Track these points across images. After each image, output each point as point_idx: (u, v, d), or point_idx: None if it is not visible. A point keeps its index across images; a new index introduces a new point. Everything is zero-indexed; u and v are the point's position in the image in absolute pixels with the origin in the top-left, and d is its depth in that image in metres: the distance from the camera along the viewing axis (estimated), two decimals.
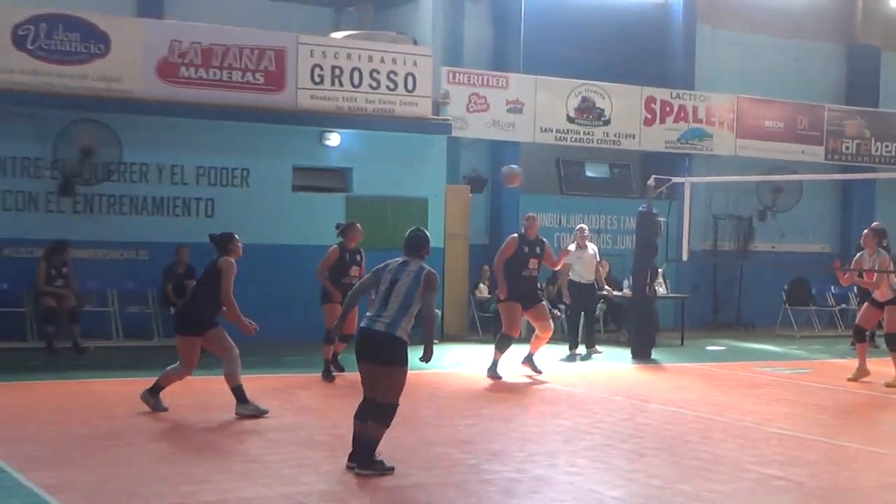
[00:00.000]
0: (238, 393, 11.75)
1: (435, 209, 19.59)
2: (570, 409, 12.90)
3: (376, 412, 9.09)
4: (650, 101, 22.24)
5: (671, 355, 18.37)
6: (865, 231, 16.00)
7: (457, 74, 20.47)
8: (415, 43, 19.72)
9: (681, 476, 9.49)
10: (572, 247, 18.12)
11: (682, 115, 22.54)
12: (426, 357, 9.30)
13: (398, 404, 9.17)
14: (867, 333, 16.41)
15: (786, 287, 22.62)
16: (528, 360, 15.49)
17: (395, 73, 18.82)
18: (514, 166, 17.34)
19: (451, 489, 8.78)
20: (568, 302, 18.23)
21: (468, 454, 10.10)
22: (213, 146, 18.16)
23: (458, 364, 16.68)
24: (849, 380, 15.73)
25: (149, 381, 12.94)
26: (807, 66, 24.97)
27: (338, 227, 14.83)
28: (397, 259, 9.55)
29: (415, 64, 19.00)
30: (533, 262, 15.27)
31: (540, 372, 15.39)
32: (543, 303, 15.83)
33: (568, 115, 21.44)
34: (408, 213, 19.33)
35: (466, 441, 10.76)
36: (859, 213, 23.68)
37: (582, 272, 18.21)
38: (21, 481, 8.57)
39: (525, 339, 16.10)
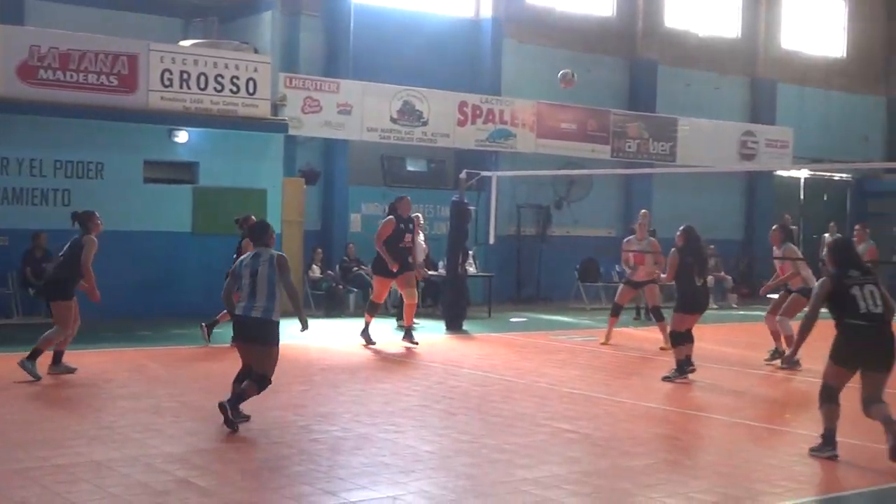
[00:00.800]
0: (37, 354, 11.63)
1: (273, 199, 19.35)
2: (392, 375, 12.94)
3: (254, 378, 9.48)
4: (463, 105, 22.35)
5: (480, 326, 18.56)
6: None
7: (293, 80, 20.22)
8: (255, 51, 19.40)
9: (486, 431, 9.59)
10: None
11: (491, 117, 22.72)
12: (304, 327, 10.07)
13: (272, 374, 9.60)
14: (623, 308, 16.96)
15: (578, 266, 23.06)
16: (408, 335, 15.65)
17: (238, 78, 18.50)
18: (567, 71, 17.89)
19: (284, 448, 8.69)
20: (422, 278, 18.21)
21: (300, 416, 10.03)
22: (70, 142, 17.57)
23: (293, 337, 16.41)
24: (601, 343, 16.37)
25: (9, 355, 12.50)
26: (596, 77, 25.41)
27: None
28: (248, 254, 9.88)
29: (255, 70, 18.70)
30: (408, 238, 15.60)
31: (416, 343, 15.51)
32: (412, 272, 15.95)
33: (391, 117, 21.39)
34: (249, 203, 19.01)
35: (299, 405, 10.67)
36: (639, 203, 24.15)
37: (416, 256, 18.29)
38: None
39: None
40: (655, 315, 16.39)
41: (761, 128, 27.35)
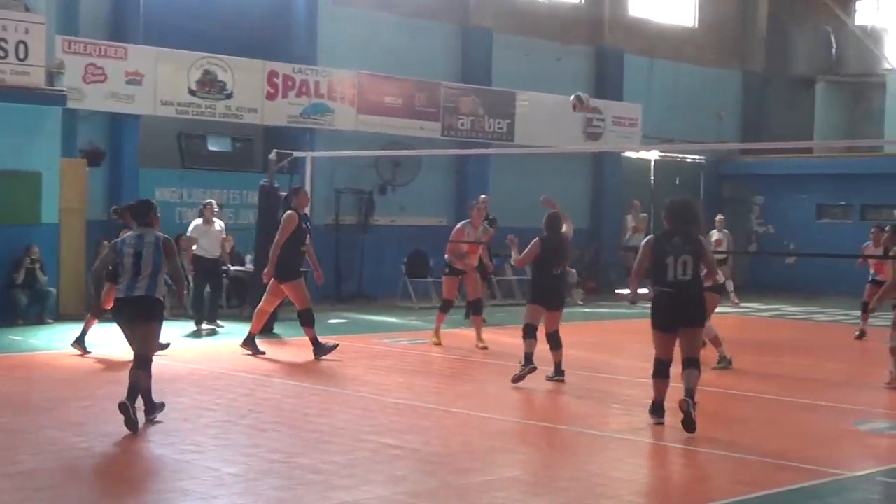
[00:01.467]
0: None
1: (49, 183, 18.84)
2: (191, 387, 12.73)
3: (136, 364, 10.28)
4: (272, 75, 22.18)
5: (293, 329, 18.36)
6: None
7: (72, 44, 19.69)
8: (27, 9, 18.81)
9: (300, 449, 9.56)
10: (198, 221, 18.01)
11: (305, 89, 22.61)
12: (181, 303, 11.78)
13: (153, 354, 10.56)
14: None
15: (405, 260, 23.17)
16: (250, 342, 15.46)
17: (6, 41, 17.97)
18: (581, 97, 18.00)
19: (58, 474, 8.47)
20: (195, 275, 17.94)
21: (81, 437, 9.78)
22: None
23: (71, 346, 16.08)
24: (433, 344, 16.74)
25: None
26: (425, 45, 25.56)
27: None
28: (131, 233, 10.76)
29: (27, 31, 18.18)
30: (308, 238, 15.49)
31: (263, 353, 15.34)
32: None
33: (190, 89, 21.06)
34: (20, 188, 18.59)
35: (79, 423, 10.41)
36: (474, 187, 24.46)
37: (208, 247, 18.04)
38: None
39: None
40: (475, 308, 16.82)
41: (607, 103, 27.97)
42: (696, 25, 31.58)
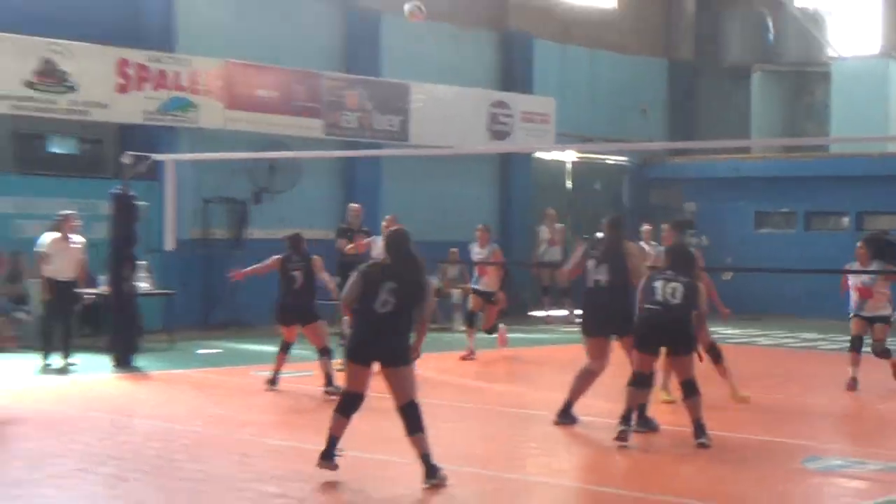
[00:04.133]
0: None
1: None
2: (37, 431, 12.59)
3: None
4: (123, 64, 21.96)
5: (158, 361, 18.34)
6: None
7: None
8: None
9: (167, 499, 9.56)
10: (56, 234, 17.73)
11: (162, 81, 22.41)
12: None
13: None
14: None
15: None
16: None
17: None
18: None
19: None
20: (50, 300, 17.67)
21: None
22: None
23: None
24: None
25: None
26: (303, 28, 25.49)
27: None
28: None
29: None
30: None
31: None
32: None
33: (25, 80, 20.81)
34: None
35: None
36: (363, 194, 24.48)
37: (63, 267, 17.76)
38: None
39: None
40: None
41: (515, 97, 28.18)
42: (617, 7, 31.92)
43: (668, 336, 12.10)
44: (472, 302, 19.78)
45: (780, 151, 31.58)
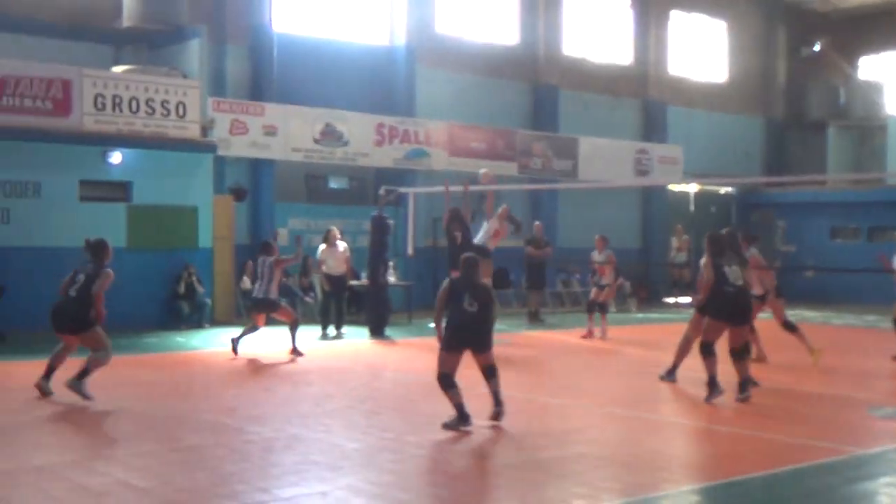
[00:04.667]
0: (84, 373, 10.79)
1: (204, 216, 19.11)
2: (320, 379, 12.81)
3: None
4: (380, 126, 22.30)
5: (401, 332, 18.49)
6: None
7: (221, 103, 20.00)
8: (184, 77, 19.12)
9: (409, 429, 9.54)
10: (323, 245, 18.07)
11: (406, 137, 22.70)
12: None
13: None
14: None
15: (491, 275, 23.04)
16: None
17: (168, 102, 18.23)
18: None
19: (219, 449, 8.55)
20: (328, 289, 17.96)
21: (233, 419, 9.87)
22: (7, 163, 17.12)
23: (226, 345, 16.24)
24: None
25: None
26: (502, 100, 25.57)
27: None
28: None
29: (185, 94, 18.45)
30: None
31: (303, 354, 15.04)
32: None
33: (314, 138, 21.26)
34: (181, 220, 18.88)
35: (232, 408, 10.51)
36: (545, 215, 24.43)
37: (334, 266, 18.08)
38: None
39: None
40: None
41: (654, 146, 27.75)
42: (726, 81, 31.19)
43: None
44: (593, 293, 18.50)
45: (849, 184, 30.47)
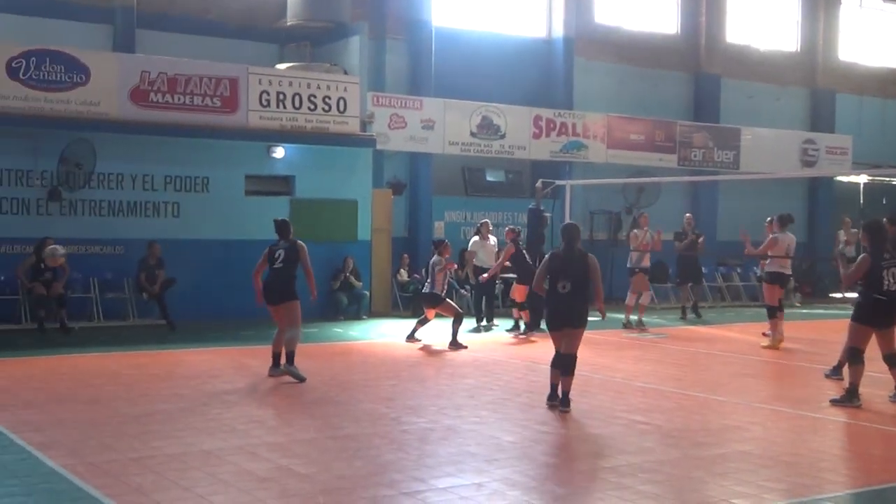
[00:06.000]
0: (291, 357, 11.65)
1: (363, 209, 19.46)
2: (475, 371, 12.87)
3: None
4: (537, 119, 22.26)
5: None
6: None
7: (380, 98, 20.33)
8: (345, 73, 19.51)
9: (564, 423, 9.50)
10: (476, 237, 18.17)
11: (564, 130, 22.59)
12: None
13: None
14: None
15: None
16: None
17: (329, 98, 18.62)
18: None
19: (376, 438, 8.69)
20: (475, 282, 18.00)
21: (390, 409, 10.02)
22: (178, 159, 17.84)
23: (383, 336, 16.57)
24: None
25: (125, 354, 12.77)
26: (662, 90, 25.18)
27: None
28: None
29: (345, 90, 18.80)
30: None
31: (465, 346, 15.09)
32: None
33: (471, 131, 21.39)
34: (341, 213, 19.26)
35: (389, 398, 10.67)
36: (706, 208, 23.95)
37: (485, 259, 18.18)
38: (14, 440, 8.33)
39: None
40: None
41: (821, 136, 26.83)
42: None
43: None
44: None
45: None
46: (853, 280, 10.73)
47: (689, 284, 20.76)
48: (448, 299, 15.62)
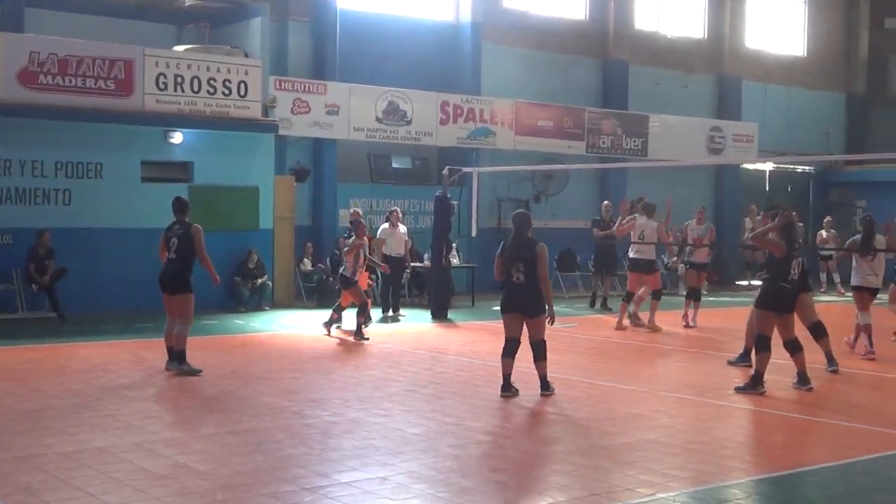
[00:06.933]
0: (182, 356, 11.56)
1: (265, 196, 19.30)
2: (380, 362, 12.89)
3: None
4: (445, 104, 22.29)
5: (464, 315, 18.53)
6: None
7: (282, 82, 20.14)
8: (246, 55, 19.29)
9: (471, 414, 9.57)
10: (385, 225, 18.14)
11: (471, 116, 22.66)
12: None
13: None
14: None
15: (556, 257, 23.00)
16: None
17: (230, 81, 18.40)
18: None
19: (278, 432, 8.64)
20: (387, 272, 17.94)
21: (293, 402, 9.98)
22: (70, 144, 17.43)
23: (287, 327, 16.47)
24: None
25: (15, 349, 12.47)
26: (571, 77, 25.42)
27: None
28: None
29: (246, 73, 18.61)
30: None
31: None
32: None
33: (377, 117, 21.33)
34: (242, 200, 19.06)
35: (292, 391, 10.63)
36: (614, 195, 24.14)
37: (394, 247, 18.19)
38: None
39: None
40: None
41: (727, 123, 27.39)
42: (805, 54, 30.63)
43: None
44: (689, 277, 18.10)
45: None
46: (763, 244, 11.03)
47: (604, 275, 20.61)
48: (359, 285, 15.49)
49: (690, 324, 17.09)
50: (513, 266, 10.34)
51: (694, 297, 17.33)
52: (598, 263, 20.66)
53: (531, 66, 24.70)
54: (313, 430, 8.76)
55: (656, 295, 16.82)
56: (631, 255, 17.04)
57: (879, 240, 14.18)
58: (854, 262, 14.34)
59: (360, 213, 17.56)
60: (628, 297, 16.79)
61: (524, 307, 10.39)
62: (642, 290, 16.77)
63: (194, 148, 18.58)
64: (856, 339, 14.06)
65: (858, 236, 14.47)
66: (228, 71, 18.37)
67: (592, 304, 20.38)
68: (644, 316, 16.71)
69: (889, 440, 8.77)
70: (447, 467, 7.60)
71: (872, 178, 29.18)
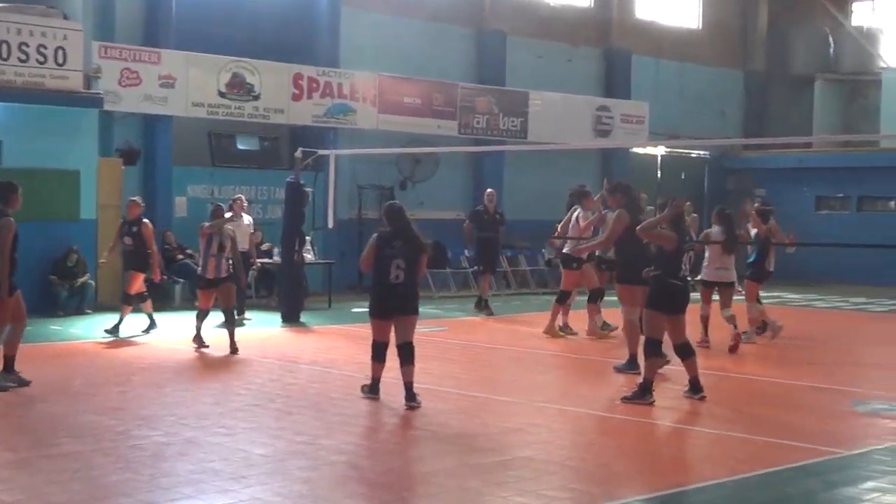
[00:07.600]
0: (11, 362, 11.31)
1: (87, 181, 18.92)
2: (222, 372, 12.79)
3: None
4: (298, 77, 22.17)
5: (319, 318, 18.45)
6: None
7: (108, 49, 19.73)
8: (65, 17, 18.83)
9: (325, 431, 9.54)
10: (228, 215, 17.90)
11: (328, 91, 22.59)
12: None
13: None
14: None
15: None
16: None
17: (45, 47, 17.97)
18: None
19: (99, 456, 8.48)
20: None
21: (118, 420, 9.80)
22: None
23: (109, 335, 16.11)
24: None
25: None
26: (442, 48, 25.54)
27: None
28: None
29: (65, 38, 18.19)
30: None
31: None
32: None
33: (219, 90, 21.08)
34: (60, 185, 18.66)
35: (117, 408, 10.43)
36: (489, 182, 24.39)
37: (239, 239, 17.93)
38: None
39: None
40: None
41: (616, 102, 27.95)
42: (700, 27, 31.49)
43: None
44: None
45: (838, 146, 31.09)
46: (652, 237, 11.22)
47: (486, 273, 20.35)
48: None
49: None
50: (393, 263, 10.39)
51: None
52: (483, 261, 20.19)
53: (397, 35, 24.71)
54: (141, 452, 8.62)
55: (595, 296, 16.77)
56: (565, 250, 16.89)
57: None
58: (707, 256, 15.27)
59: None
60: (593, 298, 16.58)
61: (403, 308, 10.59)
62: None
63: (3, 125, 18.11)
64: (740, 332, 14.82)
65: (711, 229, 15.58)
66: (44, 35, 17.95)
67: (479, 306, 20.10)
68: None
69: (786, 452, 9.06)
70: (296, 492, 7.56)
71: (771, 165, 30.24)
